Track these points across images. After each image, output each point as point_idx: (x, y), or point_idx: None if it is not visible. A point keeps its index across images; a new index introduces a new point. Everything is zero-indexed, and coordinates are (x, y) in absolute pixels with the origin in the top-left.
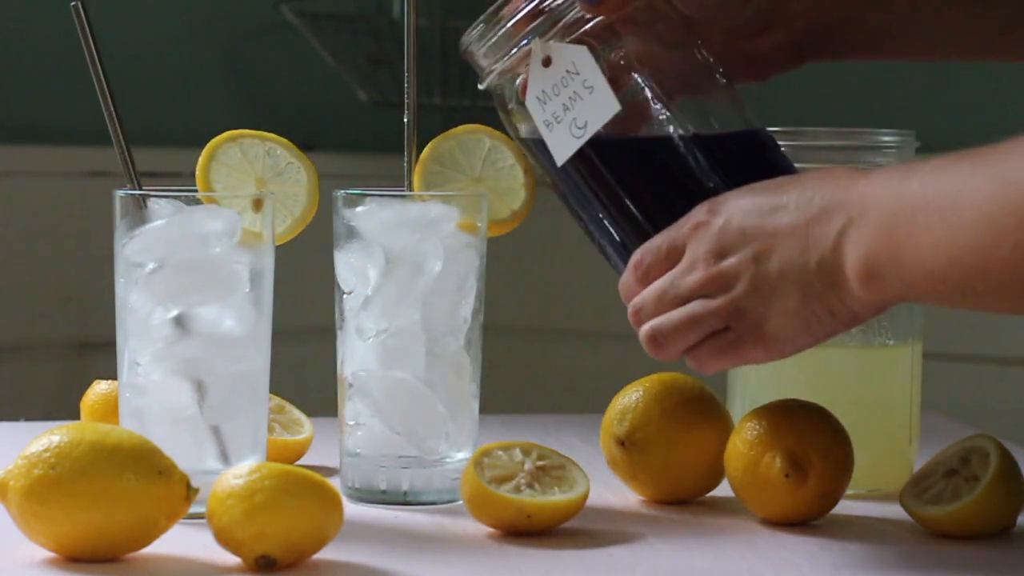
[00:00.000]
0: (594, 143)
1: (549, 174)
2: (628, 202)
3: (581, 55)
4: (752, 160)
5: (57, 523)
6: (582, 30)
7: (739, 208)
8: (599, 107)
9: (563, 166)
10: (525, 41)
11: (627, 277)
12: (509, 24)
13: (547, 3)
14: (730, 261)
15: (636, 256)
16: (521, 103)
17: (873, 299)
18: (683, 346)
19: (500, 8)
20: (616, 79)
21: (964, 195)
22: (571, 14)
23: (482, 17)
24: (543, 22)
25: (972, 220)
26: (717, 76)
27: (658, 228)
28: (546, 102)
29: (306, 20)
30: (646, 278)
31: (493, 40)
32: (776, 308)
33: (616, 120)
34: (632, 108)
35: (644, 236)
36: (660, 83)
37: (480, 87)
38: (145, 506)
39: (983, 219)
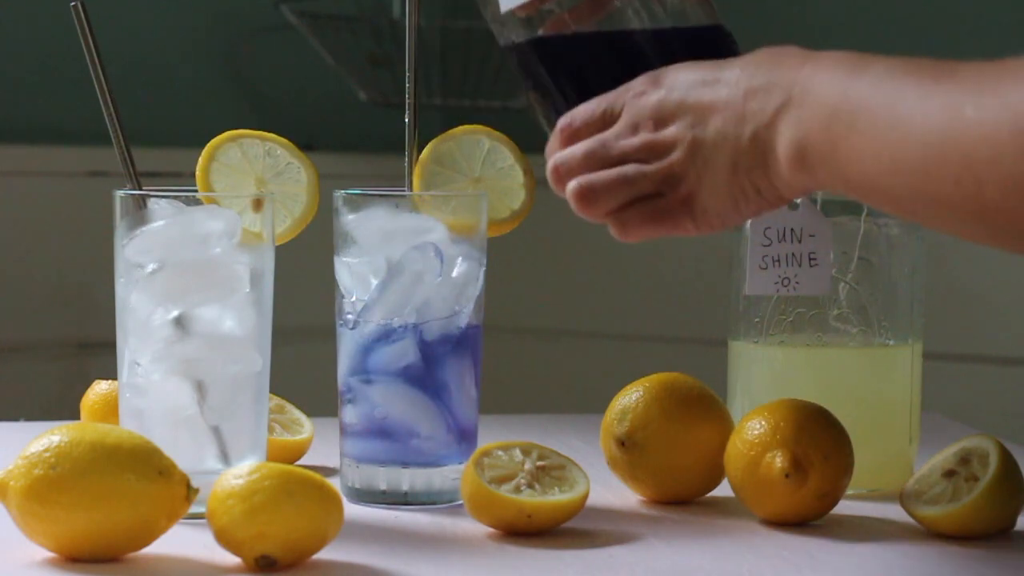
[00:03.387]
0: (547, 39)
1: (525, 75)
2: (578, 87)
3: None
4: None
5: (57, 523)
6: None
7: (681, 80)
8: None
9: (529, 63)
10: None
11: (553, 137)
12: None
13: None
14: (670, 130)
15: (565, 119)
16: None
17: (800, 183)
18: (613, 204)
19: None
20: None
21: (913, 117)
22: None
23: None
24: None
25: (917, 146)
26: None
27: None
28: None
29: (306, 20)
30: (574, 138)
31: None
32: (707, 180)
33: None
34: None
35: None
36: None
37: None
38: (145, 506)
39: (928, 148)
